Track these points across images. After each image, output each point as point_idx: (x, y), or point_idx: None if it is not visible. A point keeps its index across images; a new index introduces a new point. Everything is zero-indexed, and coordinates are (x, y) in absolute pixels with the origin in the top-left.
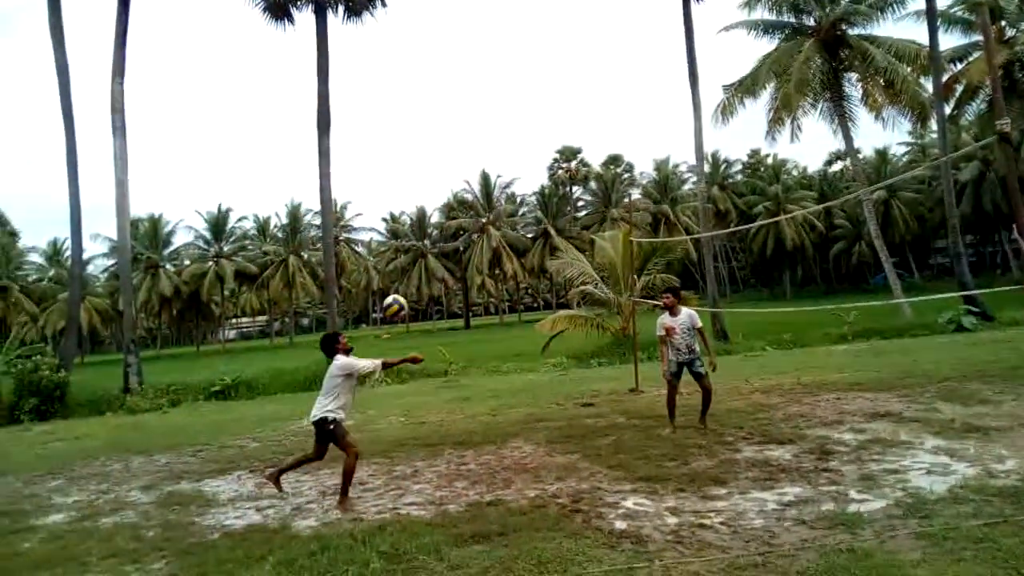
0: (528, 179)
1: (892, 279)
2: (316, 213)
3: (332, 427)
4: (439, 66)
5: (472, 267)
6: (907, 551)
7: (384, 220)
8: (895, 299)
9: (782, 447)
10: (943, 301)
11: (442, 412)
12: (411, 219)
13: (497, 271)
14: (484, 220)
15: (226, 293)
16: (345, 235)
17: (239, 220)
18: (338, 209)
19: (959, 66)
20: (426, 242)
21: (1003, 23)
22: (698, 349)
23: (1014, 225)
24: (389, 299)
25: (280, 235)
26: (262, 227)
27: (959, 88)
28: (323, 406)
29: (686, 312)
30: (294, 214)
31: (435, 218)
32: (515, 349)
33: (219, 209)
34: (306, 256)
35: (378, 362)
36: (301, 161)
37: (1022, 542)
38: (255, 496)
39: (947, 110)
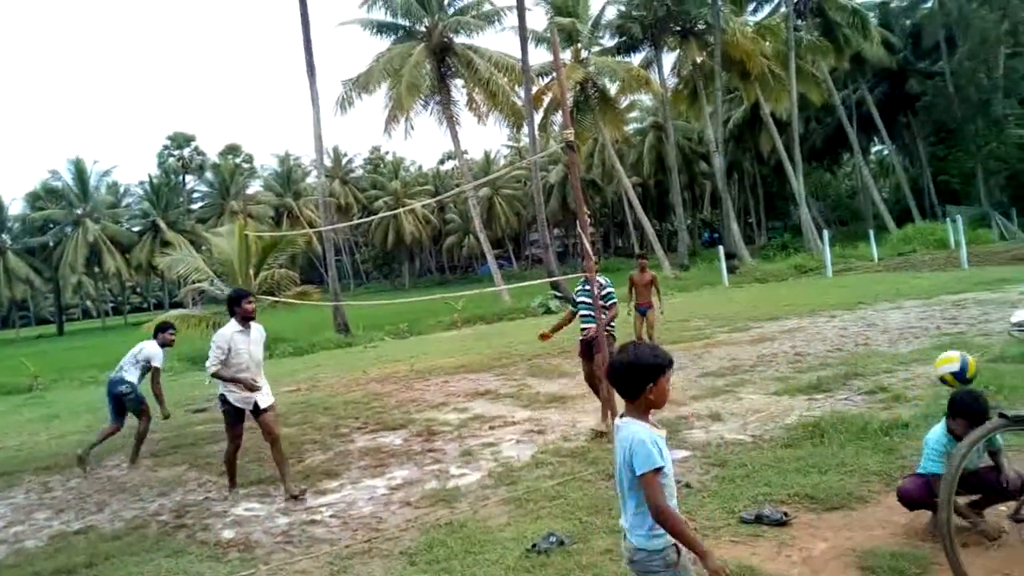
0: (134, 167)
1: (494, 269)
2: None
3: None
4: (12, 33)
5: (65, 265)
6: (496, 517)
7: None
8: (495, 287)
9: (393, 433)
10: (535, 287)
11: (22, 434)
12: None
13: (97, 269)
14: (79, 211)
15: None
16: None
17: None
18: None
19: (546, 80)
20: (4, 237)
21: (579, 45)
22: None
23: (578, 222)
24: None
25: None
26: None
27: (547, 99)
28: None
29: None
30: None
31: (17, 209)
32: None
33: None
34: None
35: None
36: None
37: (586, 495)
38: None
39: (538, 118)
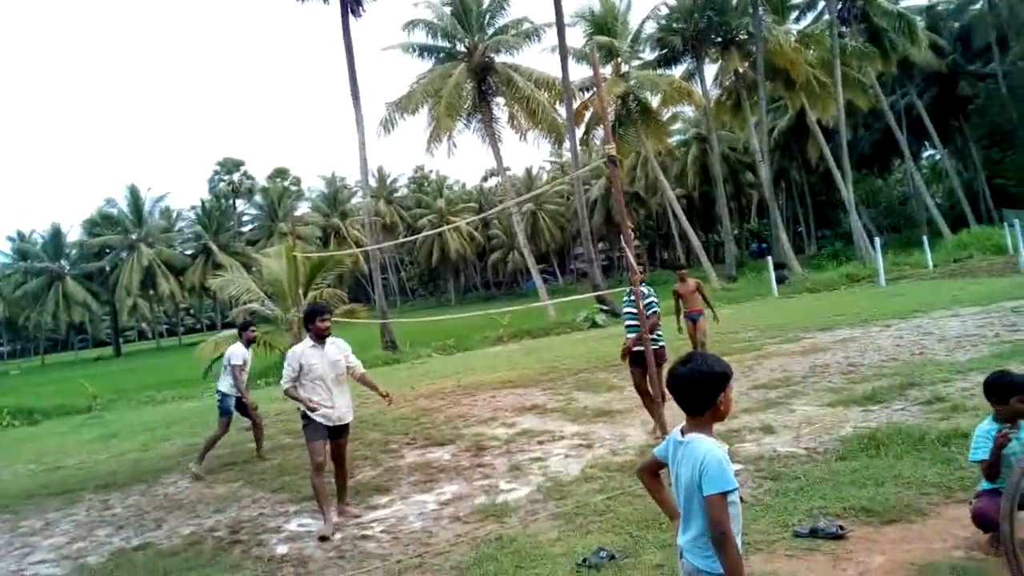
0: (186, 192)
1: (539, 284)
2: None
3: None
4: (72, 67)
5: (121, 288)
6: (546, 531)
7: (10, 240)
8: (540, 302)
9: (442, 448)
10: (580, 301)
11: (83, 453)
12: (44, 237)
13: (151, 291)
14: (134, 236)
15: None
16: None
17: None
18: None
19: (587, 95)
20: (63, 263)
21: (619, 60)
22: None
23: (621, 236)
24: None
25: None
26: None
27: (588, 114)
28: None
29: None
30: None
31: (75, 236)
32: (173, 376)
33: None
34: None
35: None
36: None
37: (636, 509)
38: None
39: (579, 133)
